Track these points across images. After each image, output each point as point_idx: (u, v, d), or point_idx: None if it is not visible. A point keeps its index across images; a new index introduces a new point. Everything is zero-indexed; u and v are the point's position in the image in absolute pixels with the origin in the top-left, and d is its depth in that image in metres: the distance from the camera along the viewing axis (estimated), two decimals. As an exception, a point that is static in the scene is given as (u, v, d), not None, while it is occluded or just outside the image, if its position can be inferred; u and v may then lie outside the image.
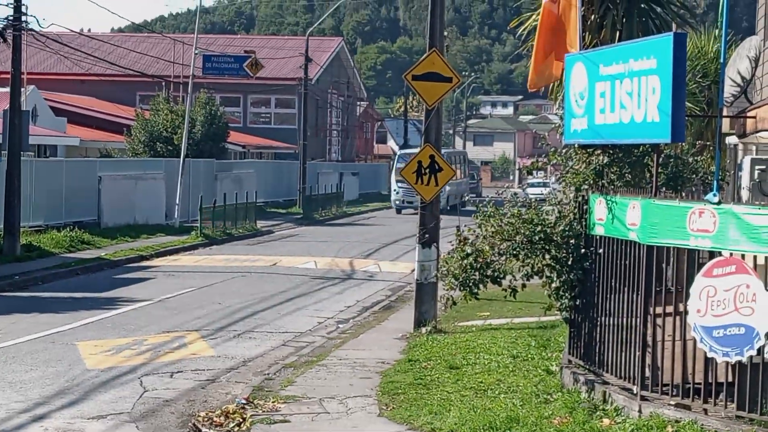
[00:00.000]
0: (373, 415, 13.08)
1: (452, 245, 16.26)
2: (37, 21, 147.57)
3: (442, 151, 55.71)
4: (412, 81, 19.63)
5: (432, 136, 20.05)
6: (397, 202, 59.81)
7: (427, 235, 19.84)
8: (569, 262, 13.70)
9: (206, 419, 13.14)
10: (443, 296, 17.46)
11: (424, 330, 19.11)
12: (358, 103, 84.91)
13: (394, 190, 60.04)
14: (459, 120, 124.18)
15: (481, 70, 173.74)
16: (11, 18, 30.44)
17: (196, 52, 44.63)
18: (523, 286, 15.16)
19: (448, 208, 51.84)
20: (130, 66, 54.45)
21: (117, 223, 38.95)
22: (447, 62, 19.69)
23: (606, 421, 11.77)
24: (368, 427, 12.53)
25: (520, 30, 20.18)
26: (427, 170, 19.49)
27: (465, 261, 15.42)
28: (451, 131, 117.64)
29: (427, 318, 19.67)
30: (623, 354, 12.54)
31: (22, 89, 33.24)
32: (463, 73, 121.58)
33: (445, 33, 22.20)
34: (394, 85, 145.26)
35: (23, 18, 30.60)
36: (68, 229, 34.54)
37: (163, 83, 51.85)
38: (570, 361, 13.98)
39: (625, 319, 12.57)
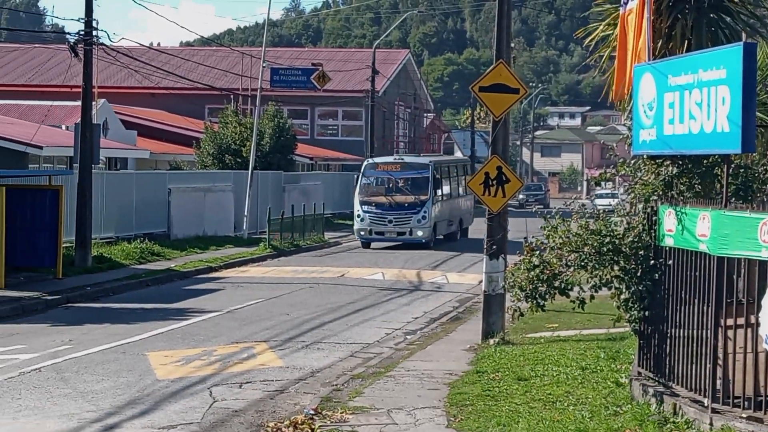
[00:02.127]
0: (442, 426, 13.07)
1: (519, 256, 16.22)
2: (108, 36, 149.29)
3: (441, 158, 48.62)
4: (479, 92, 19.62)
5: (499, 147, 20.01)
6: (363, 233, 42.25)
7: (494, 247, 19.79)
8: (638, 274, 13.61)
9: (275, 429, 13.22)
10: (510, 307, 17.43)
11: (492, 341, 19.06)
12: (425, 114, 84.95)
13: (358, 216, 42.23)
14: (526, 131, 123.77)
15: (549, 81, 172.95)
16: (82, 33, 30.85)
17: (264, 65, 44.94)
18: (592, 297, 15.08)
19: (440, 237, 43.93)
20: (199, 79, 54.95)
21: (186, 235, 39.29)
22: (514, 73, 19.66)
23: (676, 433, 11.68)
24: (436, 438, 12.53)
25: (587, 41, 20.09)
26: (495, 181, 19.44)
27: (532, 273, 15.35)
28: (518, 142, 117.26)
29: (495, 329, 19.62)
30: (694, 366, 12.43)
31: (93, 103, 33.67)
32: (530, 84, 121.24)
33: (512, 44, 22.17)
34: (461, 97, 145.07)
35: (94, 33, 31.00)
36: (138, 240, 34.90)
37: (232, 96, 52.26)
38: (640, 373, 13.87)
39: (695, 331, 12.45)
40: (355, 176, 45.17)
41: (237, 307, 24.89)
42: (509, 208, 20.81)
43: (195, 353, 18.81)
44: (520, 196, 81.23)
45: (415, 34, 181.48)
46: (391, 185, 42.63)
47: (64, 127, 42.77)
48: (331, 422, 13.30)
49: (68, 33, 32.69)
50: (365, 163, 44.41)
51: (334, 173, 63.40)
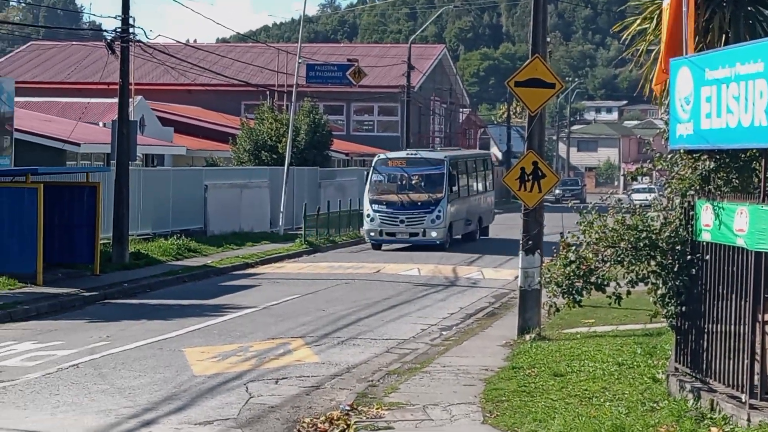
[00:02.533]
0: (477, 422, 13.05)
1: (555, 252, 16.16)
2: (144, 33, 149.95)
3: (457, 152, 45.73)
4: (515, 87, 19.57)
5: (535, 142, 19.94)
6: (372, 234, 39.76)
7: (530, 242, 19.73)
8: (675, 269, 13.53)
9: (311, 425, 13.24)
10: (546, 303, 17.38)
11: (528, 337, 19.01)
12: (461, 110, 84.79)
13: (368, 216, 39.77)
14: (563, 126, 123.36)
15: (585, 75, 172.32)
16: (119, 30, 31.00)
17: (300, 61, 45.01)
18: (628, 293, 15.01)
19: (458, 237, 41.70)
20: (235, 76, 55.07)
21: (223, 231, 39.42)
22: (550, 68, 19.59)
23: (714, 429, 11.60)
24: (472, 434, 12.51)
25: (624, 35, 20.00)
26: (530, 177, 19.37)
27: (568, 268, 15.30)
28: (554, 137, 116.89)
29: (531, 325, 19.57)
30: (731, 362, 12.34)
31: (130, 100, 33.82)
32: (567, 78, 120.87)
33: (548, 39, 22.09)
34: (497, 92, 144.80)
35: (131, 30, 31.14)
36: (175, 237, 35.05)
37: (268, 92, 52.37)
38: (677, 369, 13.79)
39: (732, 327, 12.36)
40: (365, 173, 42.11)
41: (273, 303, 24.95)
42: (545, 204, 20.73)
43: (231, 349, 18.87)
44: (557, 192, 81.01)
45: (451, 29, 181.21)
46: (403, 182, 40.32)
47: (101, 124, 43.00)
48: (367, 418, 13.30)
49: (105, 30, 32.98)
50: (375, 158, 41.60)
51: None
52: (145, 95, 50.52)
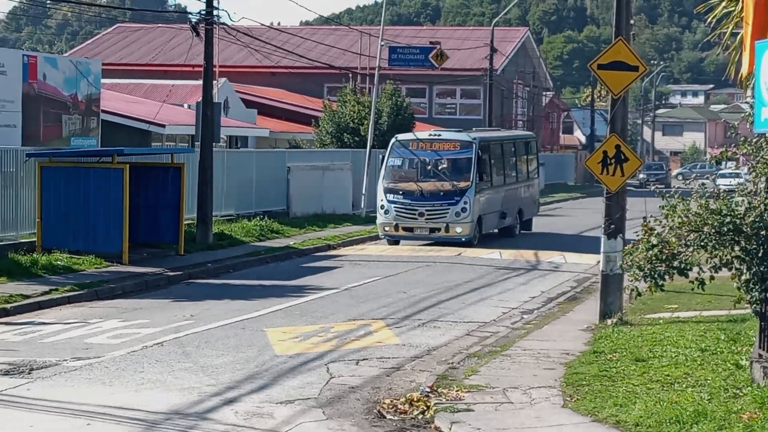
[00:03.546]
0: (557, 406, 13.03)
1: (638, 236, 16.05)
2: (229, 15, 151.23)
3: (492, 133, 40.94)
4: (598, 70, 19.42)
5: (618, 125, 19.78)
6: (387, 229, 34.30)
7: (612, 226, 19.59)
8: (759, 254, 13.38)
9: (391, 406, 13.32)
10: (628, 287, 17.27)
11: (609, 322, 18.90)
12: (544, 93, 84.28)
13: (381, 207, 34.29)
14: (647, 110, 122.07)
15: (671, 59, 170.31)
16: (203, 12, 31.27)
17: (382, 43, 45.05)
18: (711, 278, 14.88)
19: (494, 232, 37.23)
20: (317, 58, 55.29)
21: (305, 213, 39.67)
22: (633, 51, 19.41)
23: (797, 417, 11.47)
24: (552, 417, 12.50)
25: (709, 18, 19.74)
26: (613, 160, 19.22)
27: (650, 252, 15.20)
28: (639, 121, 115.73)
29: (612, 310, 19.45)
30: (816, 349, 12.19)
31: (214, 82, 34.17)
32: (652, 61, 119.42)
33: (632, 21, 21.87)
34: (580, 75, 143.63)
35: (215, 12, 31.42)
36: (258, 218, 35.34)
37: (350, 75, 52.51)
38: (760, 356, 13.64)
39: (818, 313, 12.21)
40: (381, 156, 36.41)
41: (354, 285, 25.07)
42: (628, 188, 20.57)
43: (313, 330, 19.02)
44: (641, 176, 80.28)
45: (534, 11, 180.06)
46: (424, 168, 34.95)
47: (186, 105, 43.46)
48: (447, 400, 13.34)
49: (190, 13, 33.08)
50: (393, 140, 35.79)
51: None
52: (230, 77, 50.95)
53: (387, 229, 34.17)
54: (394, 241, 34.59)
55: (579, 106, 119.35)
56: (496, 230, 37.16)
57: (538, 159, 42.97)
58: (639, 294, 17.00)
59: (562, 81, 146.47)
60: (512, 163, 39.06)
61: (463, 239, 33.75)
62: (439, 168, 34.82)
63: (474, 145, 34.53)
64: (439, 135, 35.88)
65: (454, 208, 33.54)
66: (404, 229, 33.93)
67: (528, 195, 40.30)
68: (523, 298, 23.71)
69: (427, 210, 33.65)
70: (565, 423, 12.27)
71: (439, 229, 33.79)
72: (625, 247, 17.91)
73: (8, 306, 20.63)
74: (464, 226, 33.72)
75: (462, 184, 33.84)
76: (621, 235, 19.65)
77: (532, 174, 41.24)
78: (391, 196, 33.97)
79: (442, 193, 33.81)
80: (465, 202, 33.57)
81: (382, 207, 34.09)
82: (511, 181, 38.33)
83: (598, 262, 20.07)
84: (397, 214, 33.77)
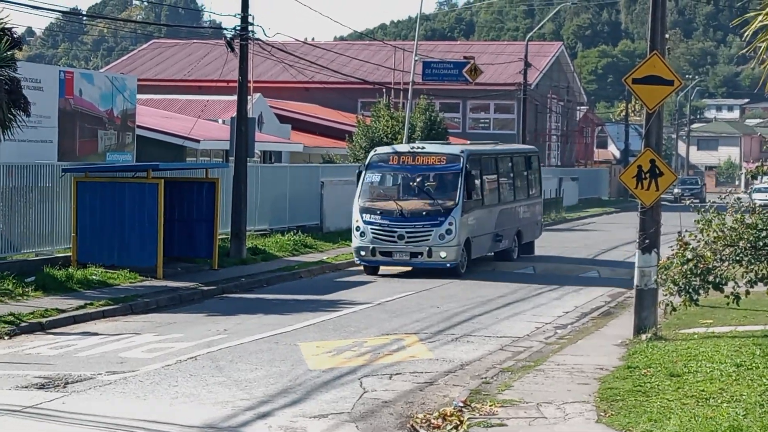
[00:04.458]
0: (591, 421, 12.98)
1: (672, 250, 15.98)
2: (263, 31, 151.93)
3: (484, 147, 36.00)
4: (632, 84, 19.37)
5: (652, 140, 19.70)
6: (363, 253, 30.32)
7: (647, 241, 19.49)
8: (796, 269, 13.30)
9: (424, 421, 13.30)
10: (662, 302, 17.18)
11: (644, 337, 18.80)
12: (578, 107, 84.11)
13: (357, 229, 30.49)
14: (682, 124, 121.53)
15: (706, 73, 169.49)
16: (238, 28, 31.40)
17: (416, 58, 45.09)
18: (747, 293, 14.81)
19: (490, 254, 33.59)
20: (352, 73, 55.40)
21: (338, 227, 39.67)
22: (668, 65, 19.35)
23: (834, 433, 11.37)
24: (586, 433, 12.44)
25: (746, 32, 19.66)
26: (648, 174, 19.13)
27: (685, 267, 15.15)
28: (673, 135, 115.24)
29: (647, 324, 19.34)
30: None
31: (249, 97, 34.27)
32: (687, 76, 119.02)
33: (667, 35, 21.80)
34: (614, 90, 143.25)
35: (250, 28, 31.54)
36: (292, 233, 35.40)
37: (384, 90, 52.58)
38: (796, 371, 13.55)
39: None
40: (357, 171, 32.31)
41: (387, 300, 25.07)
42: (663, 202, 20.47)
43: (346, 344, 19.03)
44: (675, 190, 79.88)
45: (568, 26, 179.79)
46: (409, 185, 30.97)
47: (220, 121, 43.64)
48: (480, 415, 13.31)
49: (225, 29, 33.26)
50: (371, 154, 32.16)
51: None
52: (264, 93, 51.13)
53: (363, 253, 30.18)
54: (372, 268, 30.54)
55: (613, 120, 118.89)
56: (492, 253, 33.69)
57: (540, 176, 38.87)
58: (674, 309, 16.94)
59: (596, 95, 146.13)
60: (509, 180, 35.48)
61: (448, 265, 29.85)
62: (423, 185, 30.76)
63: (462, 159, 30.69)
64: (423, 148, 31.82)
65: (437, 230, 29.71)
66: (382, 253, 29.98)
67: (528, 215, 36.53)
68: (556, 313, 23.64)
69: (407, 232, 29.84)
70: (599, 438, 12.22)
71: (421, 254, 29.83)
72: (660, 262, 17.83)
73: (43, 320, 20.75)
74: (449, 250, 29.79)
75: (447, 203, 30.02)
76: (656, 249, 19.54)
77: (533, 192, 37.50)
78: (367, 217, 30.20)
79: (424, 213, 30.00)
80: (450, 223, 29.77)
81: (357, 229, 30.33)
82: (508, 200, 34.67)
83: (632, 277, 19.88)
84: (374, 237, 29.95)
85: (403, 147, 32.83)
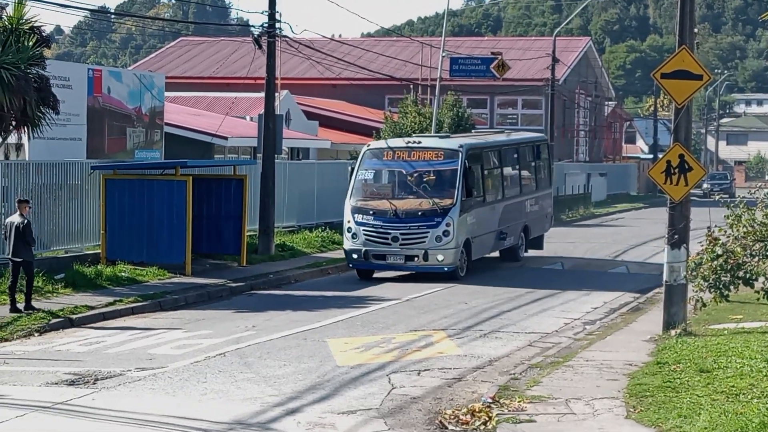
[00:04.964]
0: (620, 417, 12.93)
1: (702, 246, 15.90)
2: (291, 28, 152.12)
3: (487, 138, 33.23)
4: (661, 79, 19.28)
5: (681, 135, 19.61)
6: (355, 257, 28.28)
7: (676, 236, 19.41)
8: (826, 264, 13.21)
9: (452, 417, 13.29)
10: (692, 298, 17.10)
11: (673, 332, 18.72)
12: (606, 103, 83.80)
13: (348, 230, 28.37)
14: (711, 119, 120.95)
15: (735, 68, 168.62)
16: (266, 25, 31.44)
17: (444, 54, 45.03)
18: (777, 288, 14.70)
19: (495, 254, 32.20)
20: (379, 70, 55.37)
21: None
22: (697, 59, 19.25)
23: None
24: (615, 429, 12.41)
25: (774, 24, 19.53)
26: (677, 170, 19.04)
27: (715, 262, 15.08)
28: (702, 130, 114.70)
29: (676, 320, 19.26)
30: None
31: (276, 94, 34.30)
32: (716, 70, 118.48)
33: (696, 30, 21.69)
34: (643, 85, 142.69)
35: (277, 25, 31.57)
36: (320, 229, 35.46)
37: (411, 86, 52.53)
38: (827, 367, 13.46)
39: None
40: (350, 168, 30.25)
41: (415, 296, 25.07)
42: (692, 198, 20.37)
43: (374, 340, 19.04)
44: (705, 186, 79.57)
45: (596, 21, 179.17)
46: (403, 182, 28.97)
47: (248, 118, 43.75)
48: (509, 411, 13.29)
49: (252, 26, 33.16)
50: (364, 149, 29.98)
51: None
52: (291, 90, 51.21)
53: (355, 257, 28.16)
54: (366, 272, 28.72)
55: (641, 115, 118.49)
56: (498, 252, 32.14)
57: (550, 165, 36.68)
58: (704, 305, 16.85)
59: (625, 91, 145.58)
60: (515, 172, 33.30)
61: (446, 269, 27.99)
62: (418, 182, 28.74)
63: (460, 154, 28.54)
64: (419, 142, 29.49)
65: (434, 232, 27.76)
66: (375, 256, 27.97)
67: (537, 209, 34.32)
68: (585, 309, 23.58)
69: (402, 234, 27.81)
70: (629, 434, 12.19)
71: (416, 257, 27.89)
72: (689, 258, 17.74)
73: (73, 317, 20.87)
74: (446, 253, 27.86)
75: (445, 202, 28.01)
76: (685, 245, 19.44)
77: (542, 183, 35.19)
78: (359, 217, 28.15)
79: (420, 213, 27.97)
80: (447, 224, 27.83)
81: (348, 230, 28.27)
82: (513, 194, 32.56)
83: (662, 272, 19.80)
84: (366, 239, 27.92)
85: (397, 141, 30.71)
